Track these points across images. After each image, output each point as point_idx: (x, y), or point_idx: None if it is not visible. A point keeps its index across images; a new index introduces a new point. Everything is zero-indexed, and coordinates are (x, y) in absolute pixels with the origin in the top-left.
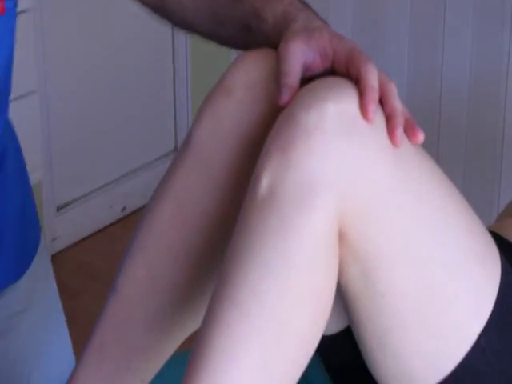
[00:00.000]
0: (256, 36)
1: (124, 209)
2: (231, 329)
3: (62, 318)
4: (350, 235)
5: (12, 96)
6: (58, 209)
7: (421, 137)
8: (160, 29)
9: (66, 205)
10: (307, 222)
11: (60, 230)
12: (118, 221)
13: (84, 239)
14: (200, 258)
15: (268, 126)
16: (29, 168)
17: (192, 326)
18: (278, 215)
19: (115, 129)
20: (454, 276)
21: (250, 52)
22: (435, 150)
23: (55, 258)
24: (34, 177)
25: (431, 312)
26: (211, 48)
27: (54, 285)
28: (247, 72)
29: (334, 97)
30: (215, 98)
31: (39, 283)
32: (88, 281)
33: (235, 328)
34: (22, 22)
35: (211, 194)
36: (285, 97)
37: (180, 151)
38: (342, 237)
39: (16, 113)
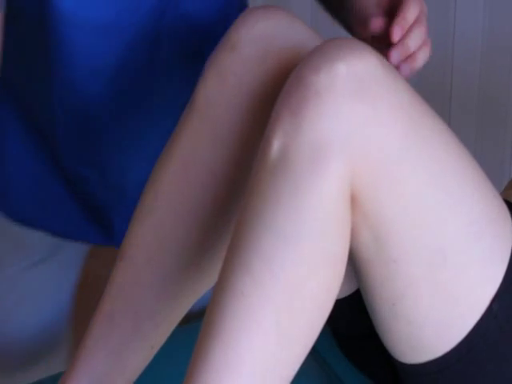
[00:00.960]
0: None
1: None
2: (246, 297)
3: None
4: (362, 198)
5: None
6: None
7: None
8: None
9: None
10: (320, 186)
11: None
12: None
13: None
14: (207, 219)
15: (274, 83)
16: None
17: (200, 288)
18: (291, 180)
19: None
20: (466, 239)
21: (256, 8)
22: (447, 115)
23: None
24: None
25: (444, 276)
26: None
27: None
28: (253, 27)
29: (345, 57)
30: (220, 53)
31: None
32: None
33: (250, 296)
34: None
35: (217, 153)
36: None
37: (186, 110)
38: (353, 200)
39: None
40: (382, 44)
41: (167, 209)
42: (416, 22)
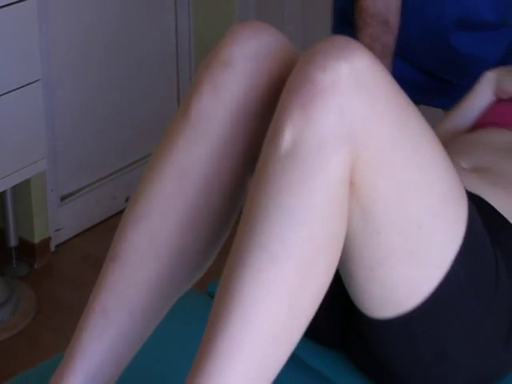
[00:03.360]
0: None
1: (127, 199)
2: (261, 273)
3: None
4: (358, 182)
5: (16, 85)
6: (62, 199)
7: None
8: (164, 18)
9: (70, 195)
10: (328, 172)
11: (64, 220)
12: (122, 211)
13: (88, 230)
14: (202, 224)
15: (265, 96)
16: (33, 158)
17: (188, 285)
18: (302, 168)
19: (119, 119)
20: (435, 212)
21: (244, 25)
22: None
23: (59, 248)
24: (39, 167)
25: (417, 243)
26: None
27: None
28: (245, 44)
29: (347, 56)
30: (213, 70)
31: None
32: (91, 271)
33: (265, 272)
34: (25, 11)
35: (212, 162)
36: None
37: (178, 121)
38: (351, 184)
39: (20, 102)
40: None
41: (162, 215)
42: None
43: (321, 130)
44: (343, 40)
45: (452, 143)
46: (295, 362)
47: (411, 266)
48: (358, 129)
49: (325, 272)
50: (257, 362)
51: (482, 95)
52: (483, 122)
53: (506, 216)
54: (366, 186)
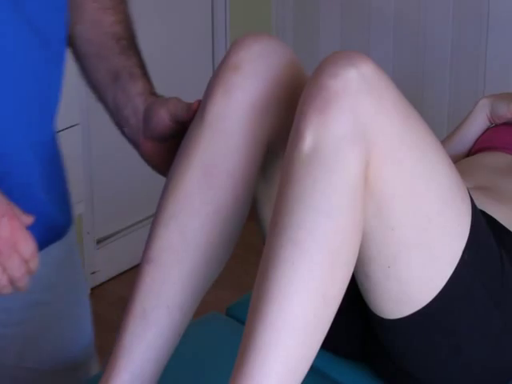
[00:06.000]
0: None
1: None
2: (296, 265)
3: (86, 293)
4: (371, 178)
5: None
6: (98, 242)
7: None
8: (201, 73)
9: (106, 238)
10: (347, 168)
11: (99, 263)
12: None
13: (123, 273)
14: (229, 216)
15: (273, 93)
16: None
17: (213, 278)
18: (324, 165)
19: None
20: (443, 206)
21: (247, 35)
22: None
23: (94, 291)
24: (75, 210)
25: (429, 237)
26: None
27: (79, 261)
28: (250, 49)
29: (354, 63)
30: (224, 75)
31: (69, 261)
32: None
33: (299, 265)
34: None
35: (232, 157)
36: None
37: (196, 125)
38: (366, 180)
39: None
40: None
41: (191, 211)
42: None
43: (337, 130)
44: (350, 51)
45: None
46: (316, 373)
47: (425, 260)
48: (370, 127)
49: (349, 261)
50: (295, 351)
51: (477, 121)
52: (480, 147)
53: (509, 229)
54: (379, 182)
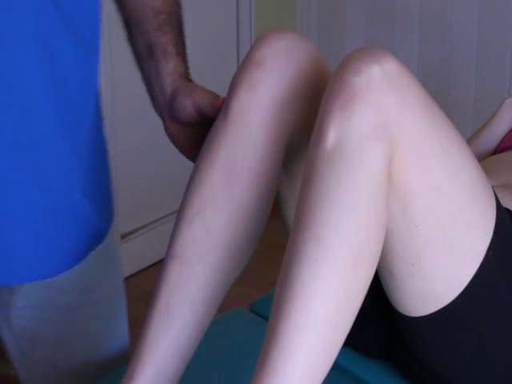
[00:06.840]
0: None
1: None
2: (319, 262)
3: (123, 294)
4: (394, 174)
5: None
6: (123, 237)
7: None
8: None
9: (130, 233)
10: (369, 164)
11: (123, 258)
12: None
13: (147, 268)
14: (252, 211)
15: (296, 88)
16: None
17: (237, 273)
18: (347, 162)
19: (179, 159)
20: (468, 201)
21: (269, 31)
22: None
23: None
24: None
25: (453, 235)
26: None
27: (119, 263)
28: (272, 45)
29: (378, 60)
30: (247, 70)
31: (107, 261)
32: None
33: (323, 261)
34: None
35: (255, 153)
36: None
37: (220, 121)
38: (389, 176)
39: None
40: None
41: (215, 207)
42: None
43: (360, 127)
44: (373, 48)
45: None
46: (339, 371)
47: (449, 257)
48: (393, 124)
49: (373, 258)
50: (317, 349)
51: (503, 120)
52: (506, 146)
53: None
54: (402, 178)
